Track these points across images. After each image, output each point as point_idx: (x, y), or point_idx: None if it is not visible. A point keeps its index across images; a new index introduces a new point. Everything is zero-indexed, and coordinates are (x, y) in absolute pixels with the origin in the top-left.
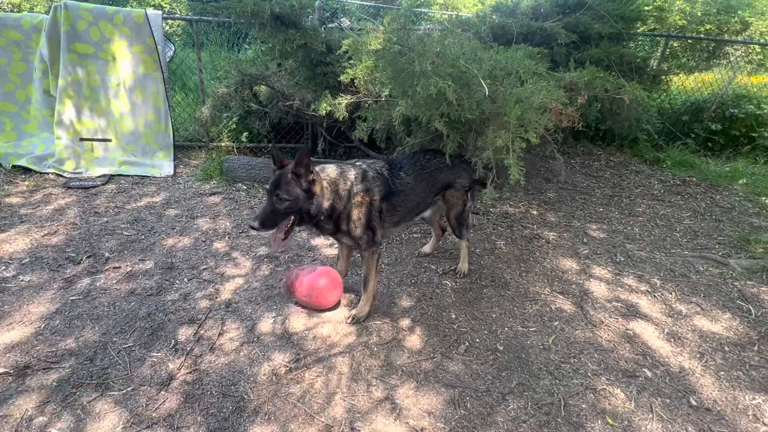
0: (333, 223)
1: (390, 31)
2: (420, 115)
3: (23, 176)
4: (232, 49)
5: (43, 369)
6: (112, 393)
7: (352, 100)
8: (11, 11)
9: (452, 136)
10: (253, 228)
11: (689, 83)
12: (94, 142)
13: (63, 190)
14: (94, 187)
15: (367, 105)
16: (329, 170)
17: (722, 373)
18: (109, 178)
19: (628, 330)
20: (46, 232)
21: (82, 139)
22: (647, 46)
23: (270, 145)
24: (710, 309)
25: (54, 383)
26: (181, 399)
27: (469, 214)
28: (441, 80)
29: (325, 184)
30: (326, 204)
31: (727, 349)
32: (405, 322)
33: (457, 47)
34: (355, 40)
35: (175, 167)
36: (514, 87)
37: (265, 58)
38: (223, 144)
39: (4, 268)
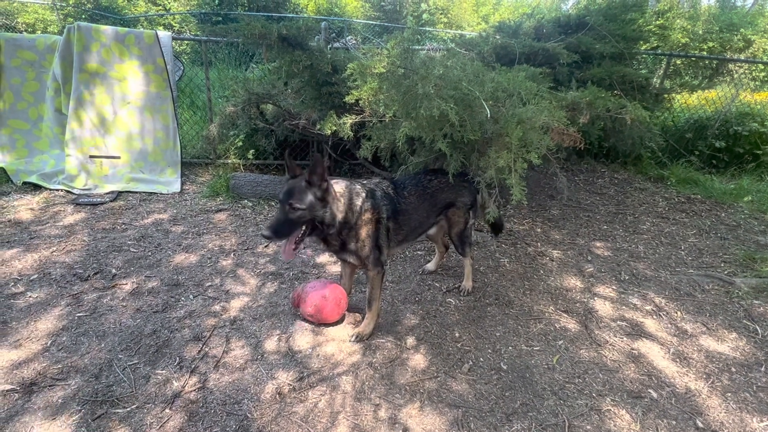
0: (340, 240)
1: (394, 55)
2: (423, 135)
3: (33, 193)
4: (240, 68)
5: (49, 386)
6: (117, 411)
7: (356, 120)
8: (25, 31)
9: (455, 155)
10: (265, 237)
11: (692, 101)
12: (103, 159)
13: (72, 207)
14: (102, 203)
15: (371, 124)
16: (341, 184)
17: (729, 394)
18: (117, 195)
19: (633, 350)
20: (54, 248)
21: (91, 157)
22: (650, 64)
23: (276, 162)
24: (716, 328)
25: (60, 400)
26: (186, 417)
27: (472, 231)
28: (443, 102)
29: (338, 195)
30: (340, 216)
31: (734, 369)
32: (409, 341)
33: (460, 69)
34: (359, 63)
35: (182, 184)
36: (515, 108)
37: (272, 77)
38: (229, 161)
39: (13, 284)
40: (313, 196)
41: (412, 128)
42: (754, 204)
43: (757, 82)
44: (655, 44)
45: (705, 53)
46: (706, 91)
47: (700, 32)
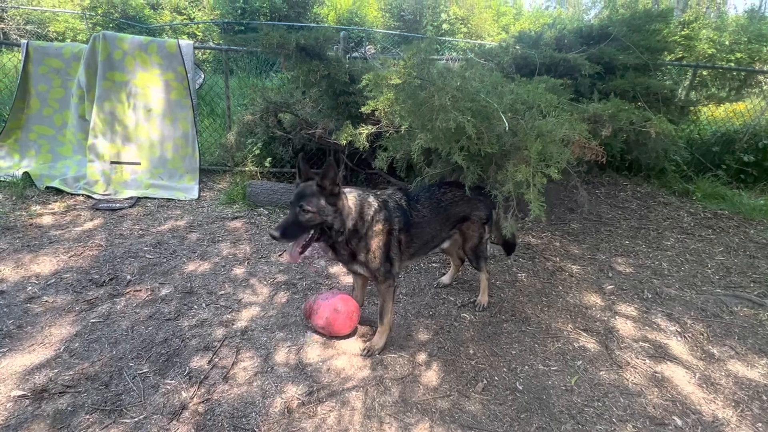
0: (350, 249)
1: (410, 66)
2: (439, 147)
3: (55, 198)
4: (261, 76)
5: (59, 393)
6: (124, 420)
7: (372, 131)
8: (55, 39)
9: (472, 168)
10: (273, 237)
11: (719, 113)
12: (123, 165)
13: (91, 212)
14: (121, 209)
15: (387, 135)
16: (354, 193)
17: (760, 424)
18: (136, 201)
19: (656, 373)
20: (72, 253)
21: (113, 163)
22: (675, 75)
23: (293, 170)
24: (745, 353)
25: (69, 408)
26: (192, 430)
27: (487, 245)
28: (460, 115)
29: (350, 203)
30: (350, 224)
31: (764, 398)
32: (421, 357)
33: (478, 81)
34: (375, 74)
35: (200, 191)
36: (535, 120)
37: (290, 86)
38: (247, 169)
39: (30, 288)
40: (324, 200)
41: (427, 140)
42: None
43: None
44: (681, 55)
45: (732, 64)
46: (734, 103)
47: (727, 43)
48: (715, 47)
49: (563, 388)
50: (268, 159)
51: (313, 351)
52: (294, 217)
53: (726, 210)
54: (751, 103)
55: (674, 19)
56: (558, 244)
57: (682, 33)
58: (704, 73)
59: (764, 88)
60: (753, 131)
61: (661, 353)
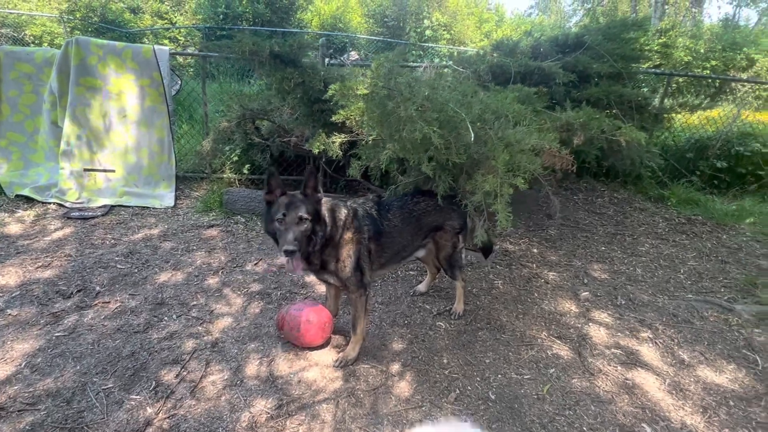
0: (321, 258)
1: (378, 76)
2: (408, 157)
3: (25, 206)
4: (242, 81)
5: (18, 411)
6: None
7: (345, 139)
8: (32, 43)
9: (443, 178)
10: (289, 252)
11: (693, 120)
12: (97, 173)
13: (63, 221)
14: (93, 217)
15: (362, 144)
16: (325, 200)
17: (726, 430)
18: (110, 209)
19: (627, 380)
20: (40, 264)
21: (86, 170)
22: (653, 83)
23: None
24: (714, 358)
25: (27, 427)
26: None
27: (462, 254)
28: (426, 125)
29: (324, 210)
30: (327, 230)
31: (731, 403)
32: (395, 367)
33: (447, 91)
34: (342, 84)
35: (176, 198)
36: (505, 130)
37: (268, 92)
38: (225, 176)
39: None
40: (311, 207)
41: (396, 150)
42: (756, 226)
43: (760, 101)
44: (658, 62)
45: (708, 72)
46: (708, 110)
47: (703, 51)
48: (692, 55)
49: (535, 396)
50: (247, 166)
51: (285, 363)
52: (295, 228)
53: (700, 215)
54: (723, 111)
55: (652, 27)
56: (536, 250)
57: (659, 41)
58: (680, 81)
59: (738, 95)
60: (725, 138)
61: (632, 360)
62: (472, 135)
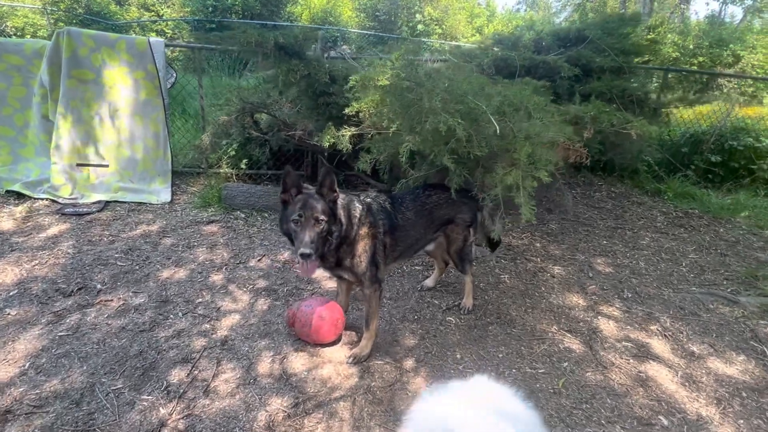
0: (337, 255)
1: (398, 67)
2: (427, 150)
3: (15, 202)
4: (234, 75)
5: (26, 414)
6: None
7: (356, 132)
8: (14, 35)
9: (459, 171)
10: (306, 256)
11: (688, 115)
12: (90, 168)
13: (57, 217)
14: (88, 213)
15: (371, 137)
16: (341, 197)
17: (741, 421)
18: (105, 205)
19: (640, 372)
20: (36, 261)
21: (78, 165)
22: (642, 77)
23: (270, 172)
24: (723, 350)
25: (36, 430)
26: None
27: (472, 248)
28: (450, 117)
29: (339, 208)
30: (343, 229)
31: (744, 394)
32: (408, 363)
33: (466, 82)
34: (363, 75)
35: (173, 194)
36: (522, 122)
37: (267, 86)
38: (222, 171)
39: None
40: (327, 207)
41: (416, 142)
42: (751, 219)
43: (746, 97)
44: (647, 58)
45: (695, 68)
46: (703, 105)
47: (691, 47)
48: (680, 51)
49: (551, 390)
50: (244, 161)
51: (298, 360)
52: (311, 229)
53: (696, 209)
54: (717, 106)
55: (642, 23)
56: (539, 244)
57: (649, 37)
58: (670, 76)
59: (725, 90)
60: (719, 132)
61: (643, 353)
62: (497, 127)
